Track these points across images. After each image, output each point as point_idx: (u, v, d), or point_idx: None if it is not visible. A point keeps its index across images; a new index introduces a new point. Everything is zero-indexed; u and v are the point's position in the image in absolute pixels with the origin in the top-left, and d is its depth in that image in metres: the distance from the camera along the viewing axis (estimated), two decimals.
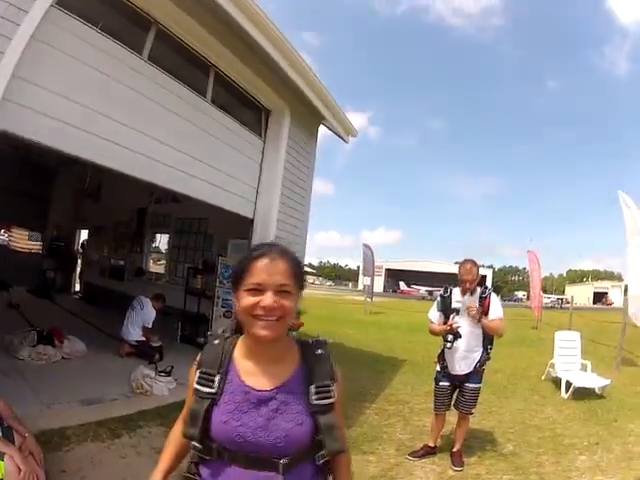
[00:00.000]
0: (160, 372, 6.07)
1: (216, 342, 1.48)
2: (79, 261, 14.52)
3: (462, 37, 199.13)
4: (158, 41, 5.36)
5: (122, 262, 12.31)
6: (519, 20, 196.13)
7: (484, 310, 4.24)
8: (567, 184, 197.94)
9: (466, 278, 4.26)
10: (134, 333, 7.27)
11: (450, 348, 4.30)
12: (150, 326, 7.47)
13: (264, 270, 1.34)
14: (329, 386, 1.42)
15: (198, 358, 1.47)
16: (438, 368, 4.53)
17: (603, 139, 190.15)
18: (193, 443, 1.41)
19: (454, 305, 4.37)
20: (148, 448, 4.02)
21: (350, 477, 1.59)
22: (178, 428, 1.53)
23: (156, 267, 12.16)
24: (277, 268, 1.35)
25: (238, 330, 1.50)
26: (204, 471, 1.41)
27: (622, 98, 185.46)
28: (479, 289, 4.36)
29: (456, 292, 4.42)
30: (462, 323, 4.25)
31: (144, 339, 7.30)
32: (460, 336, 4.24)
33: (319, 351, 1.47)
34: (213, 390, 1.38)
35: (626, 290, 12.92)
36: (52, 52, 4.04)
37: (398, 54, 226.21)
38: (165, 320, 8.31)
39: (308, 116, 7.99)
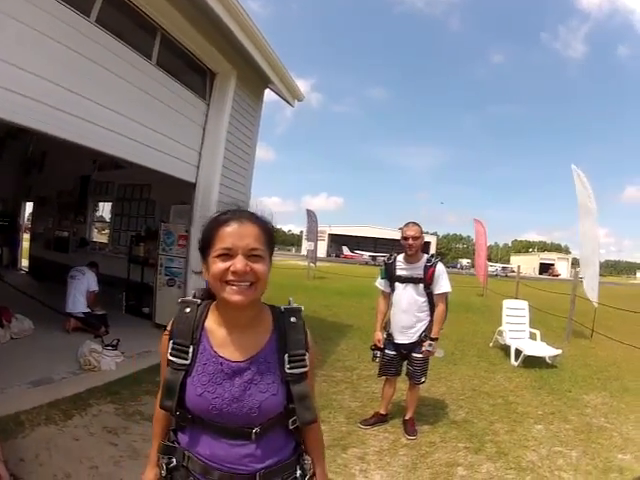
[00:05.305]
0: (107, 346, 5.97)
1: (187, 310, 1.42)
2: (26, 235, 14.03)
3: (409, 7, 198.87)
4: (106, 2, 5.02)
5: (66, 233, 11.91)
6: None
7: (427, 280, 4.18)
8: (514, 157, 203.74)
9: (408, 234, 4.09)
10: (80, 303, 7.02)
11: (374, 361, 4.51)
12: (97, 290, 7.28)
13: (234, 234, 1.28)
14: (303, 355, 1.41)
15: (169, 327, 1.43)
16: (384, 335, 4.47)
17: (550, 115, 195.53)
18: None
19: (398, 272, 4.32)
20: (100, 428, 3.96)
21: (321, 443, 1.60)
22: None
23: (100, 237, 11.80)
24: (247, 232, 1.29)
25: (209, 296, 1.45)
26: (182, 438, 1.42)
27: (572, 76, 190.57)
28: (425, 256, 4.27)
29: (400, 259, 4.35)
30: (406, 293, 4.26)
31: (89, 310, 7.08)
32: (383, 351, 4.41)
33: (293, 319, 1.44)
34: (187, 362, 1.35)
35: (574, 263, 13.28)
36: None
37: (343, 22, 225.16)
38: (109, 291, 8.08)
39: (255, 79, 7.81)
